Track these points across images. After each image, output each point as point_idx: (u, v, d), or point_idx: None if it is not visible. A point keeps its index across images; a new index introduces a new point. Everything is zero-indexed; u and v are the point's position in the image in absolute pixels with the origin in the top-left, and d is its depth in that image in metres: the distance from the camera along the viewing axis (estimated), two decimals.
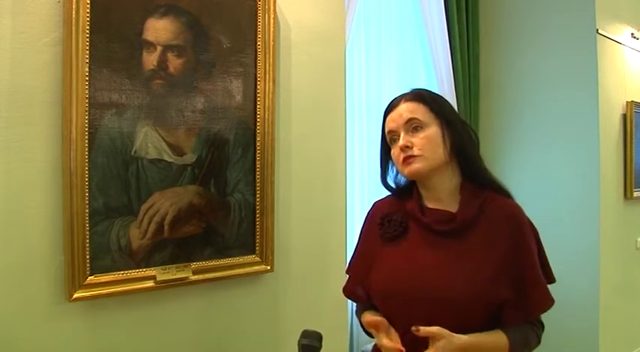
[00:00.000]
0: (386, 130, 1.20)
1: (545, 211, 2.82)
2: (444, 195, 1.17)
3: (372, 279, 1.20)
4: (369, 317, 1.17)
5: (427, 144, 1.13)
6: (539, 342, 1.17)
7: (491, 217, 1.13)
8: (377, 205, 1.31)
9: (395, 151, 1.17)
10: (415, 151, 1.12)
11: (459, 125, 1.17)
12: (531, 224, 1.18)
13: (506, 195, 1.19)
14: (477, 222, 1.13)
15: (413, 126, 1.14)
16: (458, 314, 1.07)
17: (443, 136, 1.14)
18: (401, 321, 1.12)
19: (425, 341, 1.05)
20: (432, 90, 1.23)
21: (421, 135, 1.13)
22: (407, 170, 1.14)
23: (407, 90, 1.24)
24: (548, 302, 1.14)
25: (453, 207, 1.16)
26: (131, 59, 1.42)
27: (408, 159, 1.13)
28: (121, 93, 1.41)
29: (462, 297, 1.07)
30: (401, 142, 1.14)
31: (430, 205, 1.19)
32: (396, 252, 1.18)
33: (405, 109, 1.16)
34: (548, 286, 1.16)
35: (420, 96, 1.18)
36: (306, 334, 1.11)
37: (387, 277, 1.17)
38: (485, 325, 1.09)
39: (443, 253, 1.12)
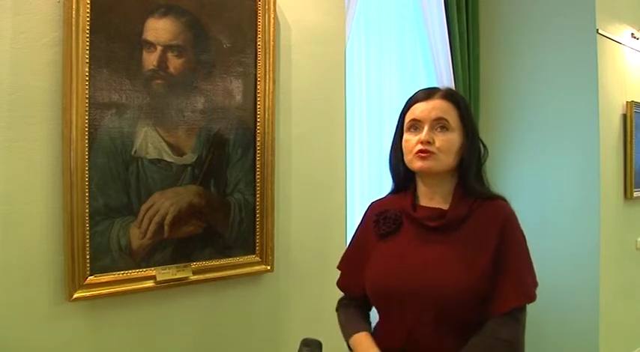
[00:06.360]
0: (409, 116, 1.19)
1: (545, 211, 2.83)
2: (437, 195, 1.19)
3: (367, 276, 1.22)
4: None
5: (446, 146, 1.14)
6: (514, 340, 1.09)
7: (481, 214, 1.15)
8: (373, 205, 1.32)
9: (411, 139, 1.17)
10: (434, 149, 1.13)
11: (475, 139, 1.19)
12: (520, 227, 1.18)
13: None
14: (467, 219, 1.15)
15: (440, 125, 1.15)
16: (449, 307, 1.09)
17: (460, 145, 1.16)
18: (395, 317, 1.16)
19: (419, 339, 1.10)
20: (462, 95, 1.25)
21: (445, 136, 1.15)
22: (419, 163, 1.15)
23: (418, 90, 1.24)
24: (520, 297, 1.10)
25: (444, 205, 1.19)
26: (131, 59, 1.42)
27: (423, 153, 1.14)
28: (121, 93, 1.41)
29: (455, 293, 1.08)
30: (424, 136, 1.14)
31: (422, 203, 1.22)
32: (390, 248, 1.20)
33: (439, 106, 1.16)
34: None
35: (455, 99, 1.19)
36: (307, 342, 1.11)
37: (381, 275, 1.19)
38: (472, 315, 1.10)
39: (434, 249, 1.14)
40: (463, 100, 1.21)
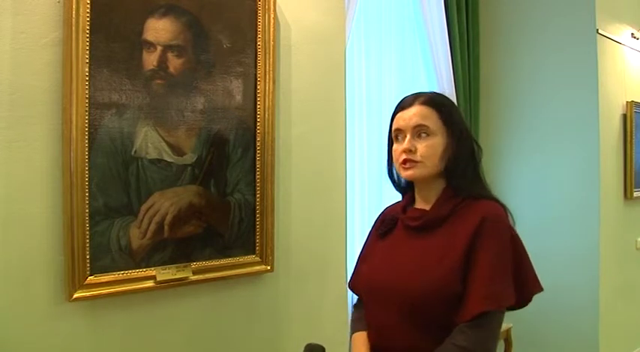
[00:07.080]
0: (394, 126, 1.20)
1: (546, 211, 2.83)
2: (429, 197, 1.20)
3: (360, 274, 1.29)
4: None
5: (429, 152, 1.14)
6: (472, 347, 1.04)
7: (462, 216, 1.13)
8: (385, 210, 1.36)
9: (397, 149, 1.18)
10: (417, 157, 1.14)
11: (463, 137, 1.17)
12: (511, 231, 1.13)
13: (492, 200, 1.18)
14: (448, 220, 1.14)
15: (421, 131, 1.15)
16: (414, 307, 1.09)
17: (445, 147, 1.16)
18: (370, 314, 1.20)
19: (389, 337, 1.12)
20: (446, 96, 1.24)
21: (426, 142, 1.14)
22: (404, 173, 1.17)
23: (417, 90, 1.24)
24: (484, 303, 1.04)
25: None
26: (131, 59, 1.42)
27: (407, 163, 1.15)
28: (121, 93, 1.40)
29: (418, 293, 1.08)
30: (405, 145, 1.15)
31: (417, 205, 1.23)
32: (382, 247, 1.24)
33: (417, 113, 1.16)
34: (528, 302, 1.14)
35: (434, 102, 1.18)
36: (311, 347, 1.11)
37: (366, 273, 1.25)
38: (446, 317, 1.07)
39: (411, 249, 1.16)
40: (444, 103, 1.19)
